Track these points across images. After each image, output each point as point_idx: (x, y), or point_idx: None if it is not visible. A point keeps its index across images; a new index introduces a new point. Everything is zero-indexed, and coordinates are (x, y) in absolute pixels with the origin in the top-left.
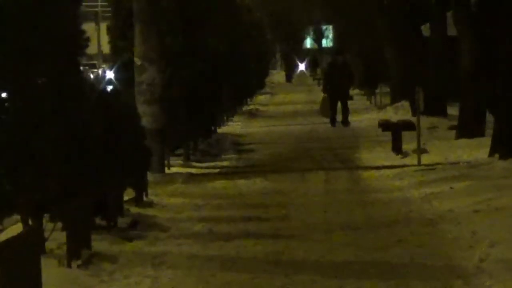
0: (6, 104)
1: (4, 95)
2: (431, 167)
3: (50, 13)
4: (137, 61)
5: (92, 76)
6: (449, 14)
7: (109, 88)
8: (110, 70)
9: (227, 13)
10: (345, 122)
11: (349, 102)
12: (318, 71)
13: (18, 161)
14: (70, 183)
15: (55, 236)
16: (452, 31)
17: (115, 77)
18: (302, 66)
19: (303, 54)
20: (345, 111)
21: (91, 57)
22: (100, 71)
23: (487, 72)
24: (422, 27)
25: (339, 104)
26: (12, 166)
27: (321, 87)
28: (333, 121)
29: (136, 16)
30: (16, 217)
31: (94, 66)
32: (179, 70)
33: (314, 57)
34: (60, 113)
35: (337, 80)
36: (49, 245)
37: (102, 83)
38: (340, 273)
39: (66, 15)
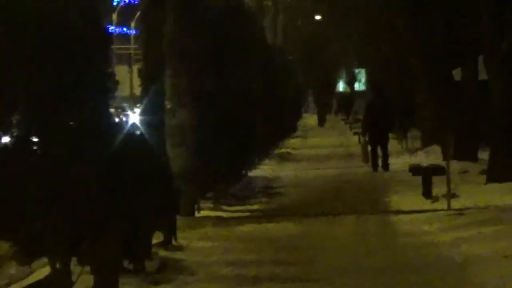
0: (35, 146)
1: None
2: (461, 211)
3: (81, 54)
4: (168, 104)
5: (123, 118)
6: (480, 58)
7: (139, 130)
8: (141, 113)
9: (261, 54)
10: (386, 166)
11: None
12: (351, 116)
13: (48, 203)
14: (98, 225)
15: (83, 279)
16: (483, 75)
17: (146, 119)
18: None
19: (335, 97)
20: (386, 155)
21: (123, 99)
22: (130, 113)
23: None
24: (454, 71)
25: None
26: (41, 207)
27: (353, 131)
28: (375, 166)
29: (167, 59)
30: (44, 259)
31: (124, 108)
32: (210, 112)
33: (348, 100)
34: (89, 155)
35: (378, 122)
36: None
37: (132, 125)
38: None
39: (97, 57)
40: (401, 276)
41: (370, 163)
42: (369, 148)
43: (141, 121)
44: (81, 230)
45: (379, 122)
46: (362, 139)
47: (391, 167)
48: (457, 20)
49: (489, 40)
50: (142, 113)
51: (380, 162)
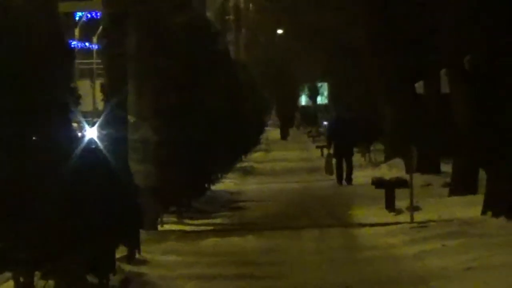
0: None
1: None
2: (424, 224)
3: (43, 71)
4: (131, 118)
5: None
6: (442, 72)
7: (101, 145)
8: (103, 127)
9: (224, 69)
10: (349, 180)
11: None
12: (314, 129)
13: (12, 218)
14: (63, 240)
15: None
16: (445, 88)
17: (108, 134)
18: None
19: (298, 111)
20: (350, 168)
21: (86, 114)
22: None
23: (480, 130)
24: (416, 85)
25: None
26: (6, 223)
27: (315, 144)
28: (340, 179)
29: (130, 74)
30: (8, 274)
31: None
32: (173, 127)
33: (311, 113)
34: (53, 171)
35: (343, 136)
36: None
37: (94, 140)
38: None
39: (59, 72)
40: None
41: (334, 176)
42: (334, 161)
43: (104, 136)
44: (45, 245)
45: (344, 135)
46: (327, 151)
47: (354, 181)
48: (418, 35)
49: (450, 54)
50: (105, 128)
51: (344, 175)
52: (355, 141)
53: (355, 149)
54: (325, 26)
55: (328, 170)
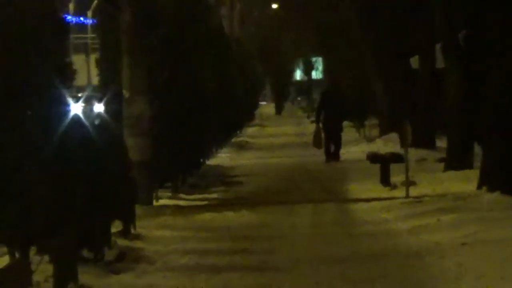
0: None
1: None
2: (419, 199)
3: (36, 45)
4: (126, 93)
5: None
6: (437, 47)
7: (97, 120)
8: (99, 102)
9: (218, 44)
10: (337, 156)
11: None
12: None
13: (3, 195)
14: (56, 216)
15: (43, 269)
16: (440, 63)
17: (103, 109)
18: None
19: (293, 86)
20: (337, 145)
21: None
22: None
23: (475, 104)
24: (411, 60)
25: None
26: None
27: (310, 119)
28: (328, 156)
29: (124, 49)
30: (3, 249)
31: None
32: (167, 102)
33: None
34: (45, 146)
35: (331, 111)
36: (36, 277)
37: (90, 115)
38: None
39: (53, 46)
40: (360, 265)
41: (323, 150)
42: (323, 136)
43: (99, 110)
44: (39, 220)
45: (332, 111)
46: (315, 126)
47: (349, 155)
48: (414, 9)
49: (445, 29)
50: (99, 102)
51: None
52: (344, 116)
53: (349, 124)
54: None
55: (316, 144)
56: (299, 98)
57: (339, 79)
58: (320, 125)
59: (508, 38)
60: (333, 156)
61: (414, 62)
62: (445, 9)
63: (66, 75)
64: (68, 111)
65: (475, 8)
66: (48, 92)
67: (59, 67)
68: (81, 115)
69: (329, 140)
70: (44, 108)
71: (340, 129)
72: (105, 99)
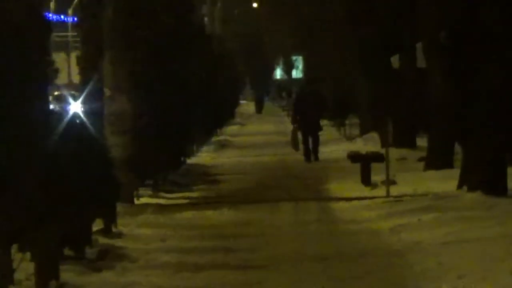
0: None
1: None
2: (400, 198)
3: (18, 43)
4: (107, 91)
5: (61, 106)
6: (418, 46)
7: (78, 118)
8: (80, 100)
9: (199, 42)
10: (316, 156)
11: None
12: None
13: None
14: (38, 213)
15: (24, 267)
16: (421, 63)
17: (85, 107)
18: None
19: (274, 85)
20: (315, 145)
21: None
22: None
23: (456, 104)
24: (392, 59)
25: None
26: None
27: (290, 118)
28: (307, 156)
29: (106, 46)
30: None
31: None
32: (149, 100)
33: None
34: (28, 143)
35: (308, 111)
36: (17, 275)
37: (71, 113)
38: None
39: (35, 45)
40: (343, 263)
41: (301, 151)
42: (300, 137)
43: (80, 109)
44: (21, 218)
45: (309, 111)
46: (288, 125)
47: (329, 154)
48: (394, 7)
49: (427, 28)
50: (81, 101)
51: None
52: (320, 116)
53: (330, 123)
54: None
55: (294, 145)
56: (284, 95)
57: (315, 78)
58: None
59: (492, 37)
60: (313, 156)
61: (394, 61)
62: (430, 7)
63: (48, 73)
64: (50, 109)
65: (462, 5)
66: (29, 90)
67: (41, 65)
68: (62, 113)
69: (307, 140)
70: (26, 106)
71: (318, 129)
72: (86, 97)
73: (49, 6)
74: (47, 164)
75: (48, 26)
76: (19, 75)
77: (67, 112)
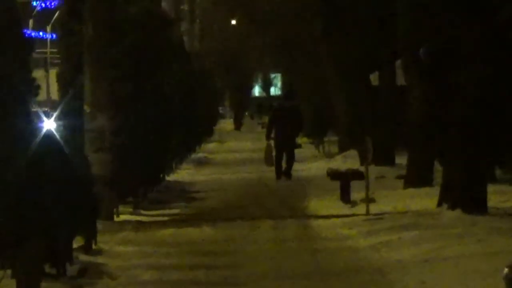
0: None
1: None
2: (380, 216)
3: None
4: (87, 108)
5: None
6: (398, 63)
7: (57, 135)
8: (59, 117)
9: (178, 59)
10: (287, 174)
11: (297, 151)
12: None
13: None
14: (19, 230)
15: (5, 283)
16: (400, 80)
17: (64, 123)
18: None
19: (252, 102)
20: (290, 162)
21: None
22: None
23: (436, 121)
24: (371, 76)
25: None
26: None
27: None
28: (278, 173)
29: (86, 63)
30: None
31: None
32: (129, 117)
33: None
34: (8, 160)
35: (283, 127)
36: None
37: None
38: None
39: (16, 62)
40: (323, 282)
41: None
42: (274, 153)
43: (60, 126)
44: (1, 235)
45: (284, 127)
46: (266, 142)
47: (308, 172)
48: (373, 24)
49: (405, 45)
50: (61, 118)
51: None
52: (296, 133)
53: (307, 140)
54: (278, 15)
55: (268, 161)
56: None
57: (292, 91)
58: (271, 142)
59: (471, 55)
60: (284, 173)
61: (374, 79)
62: (409, 23)
63: (29, 90)
64: (31, 126)
65: (438, 23)
66: (12, 107)
67: (23, 82)
68: (43, 130)
69: (280, 157)
70: (8, 122)
71: (293, 146)
72: (66, 113)
73: (27, 23)
74: (28, 180)
75: (29, 43)
76: (1, 92)
77: (48, 129)
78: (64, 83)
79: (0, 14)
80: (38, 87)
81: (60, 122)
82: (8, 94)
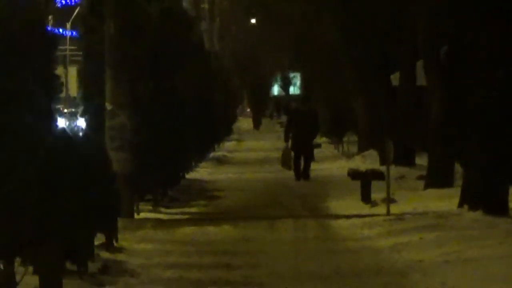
0: None
1: None
2: (400, 217)
3: (26, 58)
4: (108, 106)
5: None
6: (418, 64)
7: (81, 133)
8: (81, 115)
9: (198, 59)
10: (305, 175)
11: (316, 150)
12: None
13: None
14: (41, 227)
15: (27, 281)
16: (421, 80)
17: (86, 122)
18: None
19: (271, 101)
20: (307, 163)
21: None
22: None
23: (457, 122)
24: (392, 77)
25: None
26: None
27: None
28: (297, 175)
29: (107, 61)
30: None
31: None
32: (149, 115)
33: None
34: (31, 158)
35: (300, 130)
36: None
37: (74, 128)
38: None
39: (41, 59)
40: (344, 282)
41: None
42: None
43: (82, 123)
44: (24, 232)
45: (302, 130)
46: (284, 143)
47: (328, 171)
48: (394, 25)
49: (427, 46)
50: (82, 115)
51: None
52: (314, 135)
53: (326, 140)
54: (297, 15)
55: (285, 164)
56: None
57: (309, 96)
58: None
59: (491, 56)
60: (303, 174)
61: (395, 79)
62: (430, 24)
63: (53, 87)
64: (54, 124)
65: (459, 25)
66: (35, 104)
67: (47, 79)
68: (65, 127)
69: (298, 159)
70: (31, 119)
71: (311, 148)
72: (88, 111)
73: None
74: (51, 177)
75: (53, 40)
76: (23, 89)
77: (72, 126)
78: (85, 81)
79: (24, 12)
80: (62, 84)
81: (82, 119)
82: (33, 90)
